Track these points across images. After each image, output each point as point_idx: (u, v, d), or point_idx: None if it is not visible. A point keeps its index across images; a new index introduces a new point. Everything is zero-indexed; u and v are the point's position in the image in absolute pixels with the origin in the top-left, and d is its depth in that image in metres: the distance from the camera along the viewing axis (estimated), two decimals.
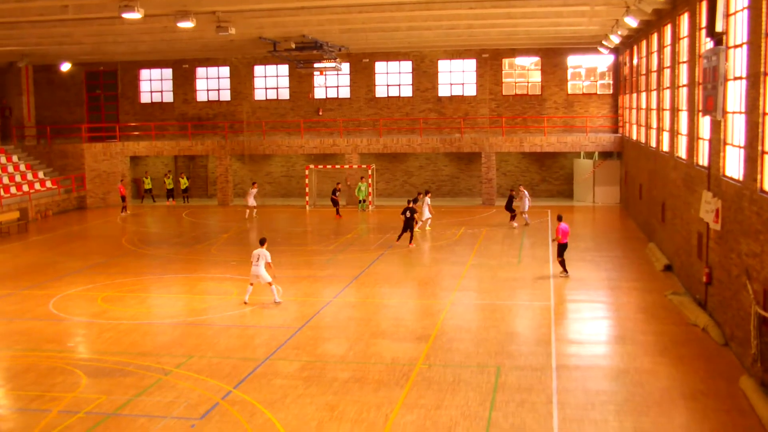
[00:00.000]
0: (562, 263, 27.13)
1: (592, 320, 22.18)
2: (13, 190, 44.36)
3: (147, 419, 14.97)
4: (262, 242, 24.30)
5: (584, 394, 15.99)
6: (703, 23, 23.39)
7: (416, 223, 34.07)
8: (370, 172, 45.43)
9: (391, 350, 19.12)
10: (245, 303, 23.71)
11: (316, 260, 31.26)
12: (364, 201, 45.17)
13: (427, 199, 36.68)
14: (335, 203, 43.19)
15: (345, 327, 21.45)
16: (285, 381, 16.96)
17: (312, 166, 46.84)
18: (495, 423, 14.57)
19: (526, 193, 38.53)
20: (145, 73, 54.28)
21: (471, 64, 49.88)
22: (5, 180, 45.04)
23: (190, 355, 18.81)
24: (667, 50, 29.94)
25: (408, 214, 33.10)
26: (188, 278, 28.37)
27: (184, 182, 50.72)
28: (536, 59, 49.27)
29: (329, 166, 46.99)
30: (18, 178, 46.05)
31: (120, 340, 20.52)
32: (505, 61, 49.57)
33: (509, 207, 38.13)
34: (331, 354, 19.13)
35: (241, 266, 29.86)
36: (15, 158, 48.31)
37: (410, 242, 33.16)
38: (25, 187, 45.35)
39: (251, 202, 42.71)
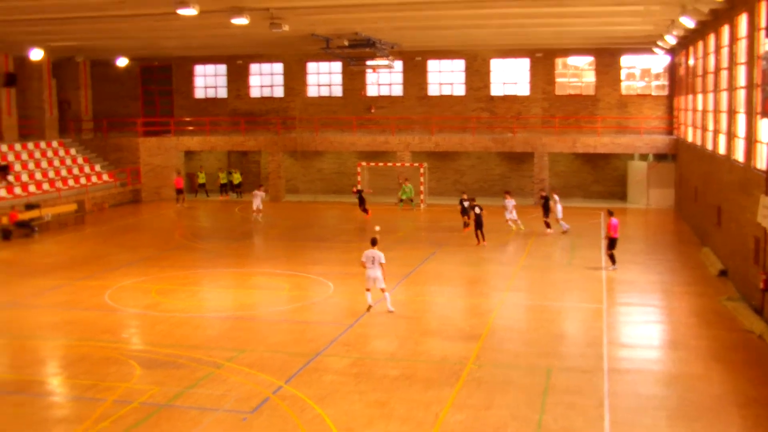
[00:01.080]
0: (612, 257, 27.23)
1: (643, 324, 21.92)
2: (71, 182, 45.13)
3: (199, 411, 15.12)
4: (374, 242, 22.46)
5: (635, 399, 15.82)
6: (763, 24, 22.99)
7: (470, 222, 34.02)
8: (422, 170, 45.37)
9: (441, 349, 19.09)
10: (370, 307, 22.31)
11: None
12: (411, 200, 45.05)
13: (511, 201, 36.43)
14: (362, 201, 41.53)
15: (395, 325, 21.45)
16: (335, 377, 17.02)
17: (364, 164, 46.92)
18: (545, 425, 14.47)
19: (557, 198, 36.77)
20: (199, 69, 54.79)
21: (524, 64, 49.57)
22: (63, 173, 45.84)
23: (240, 349, 18.95)
24: (725, 51, 29.48)
25: (477, 210, 33.05)
26: (239, 273, 28.61)
27: (237, 177, 51.10)
28: (590, 59, 48.81)
29: (381, 164, 47.03)
30: (75, 171, 46.83)
31: (172, 332, 20.76)
32: (559, 61, 49.20)
33: (547, 212, 35.98)
34: (381, 351, 19.16)
35: (289, 262, 30.04)
36: (73, 151, 49.11)
37: (483, 240, 32.97)
38: (83, 180, 46.09)
39: (257, 204, 40.37)
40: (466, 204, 35.73)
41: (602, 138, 45.71)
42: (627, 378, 17.05)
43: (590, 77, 49.01)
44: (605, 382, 16.61)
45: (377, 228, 33.72)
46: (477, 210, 33.17)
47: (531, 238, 34.63)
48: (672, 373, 17.48)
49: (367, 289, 22.39)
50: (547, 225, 36.03)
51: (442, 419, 14.69)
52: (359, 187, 43.65)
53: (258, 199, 40.45)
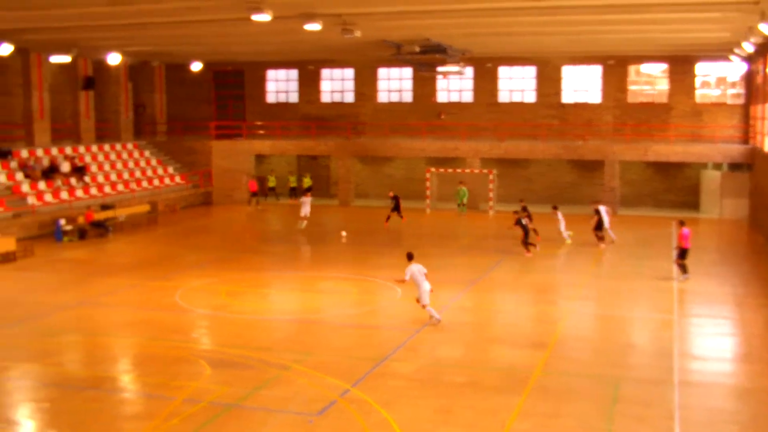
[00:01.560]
0: (683, 266, 26.79)
1: (715, 336, 21.48)
2: (144, 184, 46.00)
3: (266, 412, 15.25)
4: (411, 257, 22.06)
5: (707, 412, 15.51)
6: None
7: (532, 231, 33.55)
8: (491, 176, 45.18)
9: (508, 357, 18.97)
10: (438, 320, 21.45)
11: (433, 263, 31.11)
12: (464, 205, 44.82)
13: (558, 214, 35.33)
14: (397, 206, 40.30)
15: (461, 331, 21.38)
16: (401, 382, 17.02)
17: (433, 170, 46.89)
18: None
19: (602, 209, 35.24)
20: (271, 74, 55.36)
21: (596, 71, 49.03)
22: (137, 174, 46.75)
23: (308, 352, 19.07)
24: None
25: (525, 221, 32.67)
26: (307, 276, 28.79)
27: (307, 181, 51.45)
28: (664, 66, 48.08)
29: (450, 170, 46.95)
30: (149, 173, 47.74)
31: (241, 333, 20.98)
32: (631, 68, 48.55)
33: (599, 226, 34.26)
34: (447, 357, 19.10)
35: (357, 266, 30.15)
36: (147, 153, 50.08)
37: (527, 251, 32.56)
38: (156, 182, 46.96)
39: (305, 211, 38.92)
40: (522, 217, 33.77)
41: (675, 146, 44.96)
42: (698, 391, 16.73)
43: (663, 85, 48.26)
44: (675, 395, 16.31)
45: (343, 233, 35.19)
46: (523, 221, 32.55)
47: (599, 247, 34.17)
48: (745, 387, 17.10)
49: (426, 305, 21.49)
50: (600, 238, 34.25)
51: (508, 427, 14.58)
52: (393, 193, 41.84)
53: (306, 205, 39.13)
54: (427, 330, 21.22)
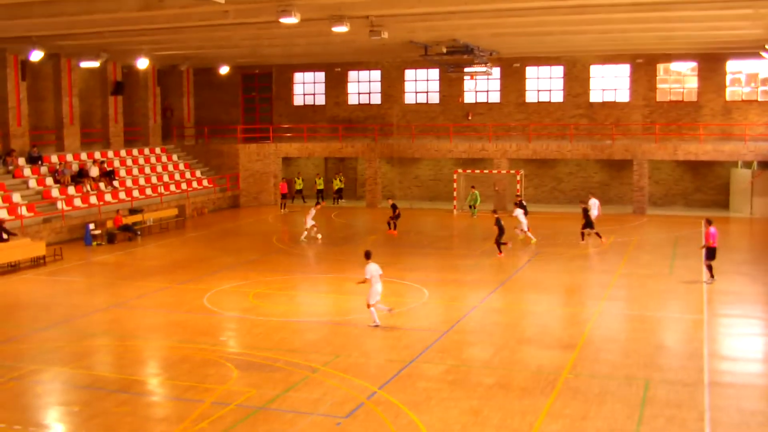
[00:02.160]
0: (710, 268, 26.49)
1: (747, 336, 21.31)
2: (172, 188, 46.26)
3: (294, 414, 15.29)
4: (369, 255, 22.04)
5: (738, 414, 15.36)
6: None
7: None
8: (518, 177, 45.05)
9: (537, 357, 18.91)
10: (377, 325, 21.56)
11: (462, 264, 31.23)
12: (475, 207, 44.44)
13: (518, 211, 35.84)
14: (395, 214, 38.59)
15: (490, 332, 21.35)
16: (429, 384, 17.00)
17: (460, 170, 46.84)
18: None
19: (595, 202, 37.52)
20: (298, 76, 55.54)
21: (624, 69, 48.76)
22: (165, 178, 47.03)
23: (336, 354, 19.11)
24: None
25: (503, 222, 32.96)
26: (335, 278, 28.86)
27: (337, 183, 51.51)
28: (693, 64, 47.70)
29: (478, 171, 46.87)
30: (177, 177, 48.01)
31: (270, 336, 21.06)
32: (660, 66, 48.22)
33: (589, 223, 34.65)
34: (476, 359, 19.07)
35: (385, 268, 30.02)
36: (175, 157, 50.39)
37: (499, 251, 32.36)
38: (184, 185, 47.19)
39: (309, 222, 36.86)
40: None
41: (705, 145, 44.60)
42: (729, 392, 16.57)
43: (693, 83, 47.87)
44: (706, 396, 16.17)
45: (319, 236, 35.65)
46: (501, 221, 32.82)
47: (630, 246, 34.00)
48: None
49: (373, 305, 21.67)
50: (598, 235, 34.65)
51: (537, 428, 14.53)
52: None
53: (310, 217, 37.11)
54: (455, 331, 21.21)
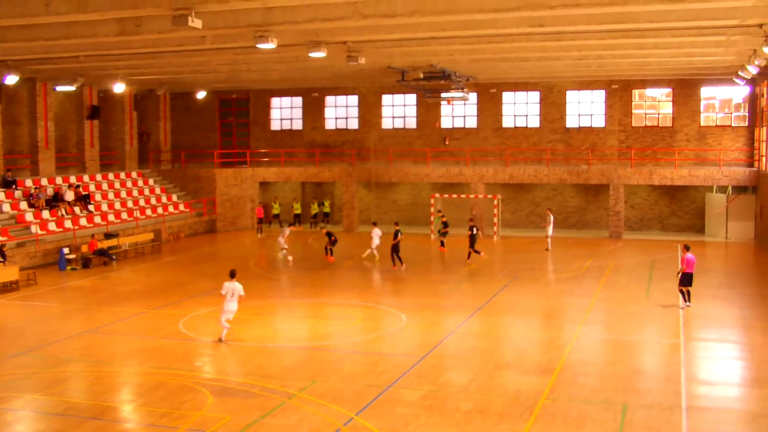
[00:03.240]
0: (685, 293, 26.52)
1: (724, 360, 21.36)
2: (148, 212, 46.01)
3: None
4: (233, 275, 22.90)
5: None
6: None
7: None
8: (495, 201, 45.15)
9: (515, 382, 18.85)
10: (220, 341, 22.52)
11: (440, 289, 31.19)
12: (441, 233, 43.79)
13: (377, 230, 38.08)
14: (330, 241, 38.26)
15: (468, 357, 21.29)
16: (407, 409, 16.90)
17: (437, 195, 46.88)
18: None
19: (551, 219, 40.48)
20: (276, 101, 55.54)
21: (600, 95, 49.11)
22: (141, 202, 46.79)
23: (313, 380, 18.97)
24: None
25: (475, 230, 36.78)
26: (313, 303, 28.73)
27: (314, 208, 51.65)
28: (668, 90, 48.12)
29: (455, 195, 46.93)
30: (153, 201, 47.78)
31: (246, 361, 20.90)
32: (635, 92, 48.59)
33: (473, 244, 37.18)
34: (454, 384, 18.97)
35: (363, 293, 30.09)
36: (151, 181, 50.15)
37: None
38: (160, 210, 46.98)
39: (283, 242, 38.27)
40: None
41: (680, 170, 44.93)
42: (707, 416, 16.59)
43: (668, 108, 48.27)
44: (684, 420, 16.16)
45: (290, 258, 35.76)
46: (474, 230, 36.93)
47: (606, 270, 34.10)
48: (755, 412, 16.94)
49: (226, 322, 22.74)
50: (473, 252, 37.09)
51: None
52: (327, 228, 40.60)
53: (283, 237, 38.47)
54: (433, 355, 21.13)
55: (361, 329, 24.69)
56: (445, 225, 40.21)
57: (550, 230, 40.64)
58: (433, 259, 38.78)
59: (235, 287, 22.56)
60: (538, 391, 17.94)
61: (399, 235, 36.24)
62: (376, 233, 37.99)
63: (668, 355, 21.26)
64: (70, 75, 40.55)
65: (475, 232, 37.27)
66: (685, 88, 47.45)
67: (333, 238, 37.70)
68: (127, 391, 19.18)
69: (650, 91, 48.58)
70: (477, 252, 36.92)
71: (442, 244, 40.08)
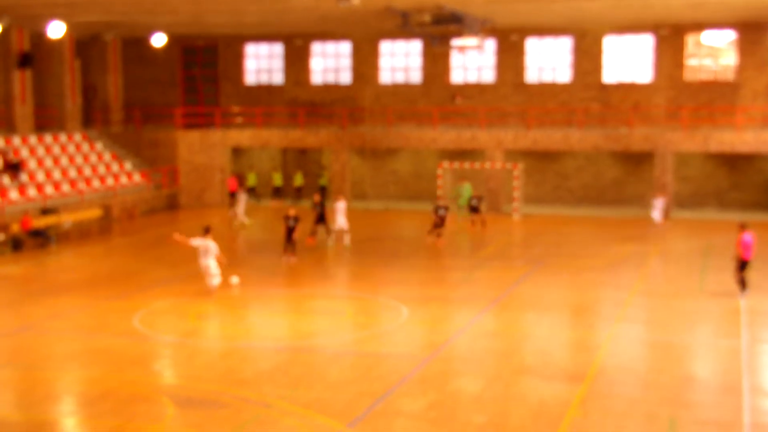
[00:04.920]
0: (742, 281, 26.69)
1: None
2: (95, 183, 45.98)
3: None
4: (207, 230, 27.26)
5: None
6: None
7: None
8: (515, 172, 45.19)
9: (538, 391, 18.92)
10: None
11: (448, 278, 31.26)
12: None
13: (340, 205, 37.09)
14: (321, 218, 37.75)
15: (481, 360, 21.37)
16: (408, 422, 17.00)
17: (446, 164, 46.88)
18: None
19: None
20: (251, 50, 55.48)
21: (645, 42, 49.03)
22: (87, 172, 46.71)
23: (295, 386, 19.05)
24: None
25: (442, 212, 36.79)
26: (295, 294, 28.81)
27: (298, 179, 51.65)
28: (731, 36, 47.98)
29: (467, 165, 46.94)
30: (101, 170, 47.70)
31: (214, 364, 20.98)
32: (689, 38, 48.51)
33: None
34: (465, 392, 19.05)
35: (355, 282, 30.16)
36: (99, 146, 50.08)
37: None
38: (110, 181, 46.94)
39: (241, 209, 42.68)
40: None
41: (744, 134, 44.85)
42: None
43: (730, 59, 48.21)
44: None
45: (235, 280, 29.52)
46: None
47: (649, 256, 34.17)
48: None
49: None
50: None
51: None
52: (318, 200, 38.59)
53: (242, 203, 42.50)
54: (440, 358, 21.21)
55: (352, 326, 24.76)
56: (476, 199, 41.25)
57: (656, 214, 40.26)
58: (440, 241, 38.78)
59: (208, 245, 24.68)
60: (565, 402, 18.02)
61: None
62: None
63: (726, 361, 21.33)
64: None
65: (474, 204, 39.35)
66: (752, 33, 47.30)
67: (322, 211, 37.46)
68: (67, 401, 19.23)
69: (708, 37, 48.42)
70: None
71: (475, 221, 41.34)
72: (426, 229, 37.46)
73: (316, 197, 37.43)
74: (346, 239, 36.28)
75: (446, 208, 37.27)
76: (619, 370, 20.53)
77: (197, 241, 26.71)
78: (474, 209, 40.39)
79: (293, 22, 46.74)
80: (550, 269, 32.10)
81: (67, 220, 40.05)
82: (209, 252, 26.42)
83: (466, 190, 44.60)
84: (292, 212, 33.92)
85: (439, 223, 36.70)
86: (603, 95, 49.66)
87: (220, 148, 51.38)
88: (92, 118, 53.81)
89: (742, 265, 26.73)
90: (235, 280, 28.35)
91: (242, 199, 42.19)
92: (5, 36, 46.07)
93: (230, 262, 33.80)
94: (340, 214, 36.45)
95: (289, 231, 33.44)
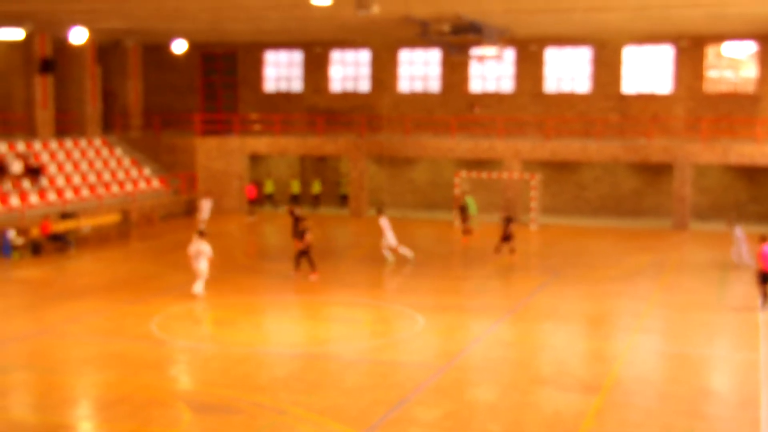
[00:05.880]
0: (764, 294, 26.72)
1: None
2: (114, 188, 46.08)
3: None
4: (201, 233, 28.20)
5: None
6: None
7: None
8: (533, 182, 45.09)
9: (554, 401, 18.85)
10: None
11: (464, 287, 31.20)
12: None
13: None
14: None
15: (497, 369, 21.31)
16: (423, 431, 16.94)
17: (463, 173, 46.81)
18: None
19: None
20: (270, 57, 55.56)
21: (665, 53, 48.89)
22: (106, 177, 46.84)
23: (310, 393, 19.02)
24: None
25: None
26: (311, 301, 28.79)
27: (317, 187, 51.49)
28: (752, 47, 47.80)
29: (485, 174, 46.86)
30: (121, 175, 47.84)
31: (230, 370, 20.95)
32: (710, 50, 48.34)
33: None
34: (480, 401, 19.01)
35: (371, 289, 30.13)
36: (118, 151, 50.24)
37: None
38: (129, 186, 47.04)
39: (205, 215, 43.40)
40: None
41: (764, 146, 44.60)
42: None
43: (751, 71, 48.01)
44: None
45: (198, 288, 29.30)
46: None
47: (667, 268, 34.04)
48: None
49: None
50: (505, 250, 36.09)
51: None
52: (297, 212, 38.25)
53: (206, 207, 43.29)
54: (455, 367, 21.16)
55: (368, 333, 24.72)
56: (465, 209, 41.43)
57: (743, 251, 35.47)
58: (457, 250, 38.76)
59: (200, 247, 24.35)
60: (581, 413, 17.94)
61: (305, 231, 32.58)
62: (386, 224, 35.35)
63: (745, 373, 21.21)
64: (16, 18, 40.44)
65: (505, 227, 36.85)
66: None
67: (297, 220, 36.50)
68: (84, 405, 19.26)
69: (728, 49, 48.22)
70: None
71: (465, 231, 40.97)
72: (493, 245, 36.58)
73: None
74: (406, 252, 35.10)
75: (511, 220, 36.34)
76: (636, 381, 20.44)
77: (192, 247, 27.63)
78: (506, 238, 36.18)
79: (312, 29, 46.79)
80: (567, 279, 32.00)
81: (86, 224, 40.17)
82: (201, 255, 27.03)
83: (471, 203, 44.31)
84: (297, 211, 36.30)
85: (509, 236, 35.40)
86: (622, 106, 49.53)
87: (238, 154, 51.39)
88: (112, 123, 53.96)
89: (764, 278, 26.63)
90: (198, 288, 28.30)
91: (207, 203, 43.80)
92: (28, 42, 46.32)
93: (248, 267, 33.86)
94: (387, 230, 34.93)
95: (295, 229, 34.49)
